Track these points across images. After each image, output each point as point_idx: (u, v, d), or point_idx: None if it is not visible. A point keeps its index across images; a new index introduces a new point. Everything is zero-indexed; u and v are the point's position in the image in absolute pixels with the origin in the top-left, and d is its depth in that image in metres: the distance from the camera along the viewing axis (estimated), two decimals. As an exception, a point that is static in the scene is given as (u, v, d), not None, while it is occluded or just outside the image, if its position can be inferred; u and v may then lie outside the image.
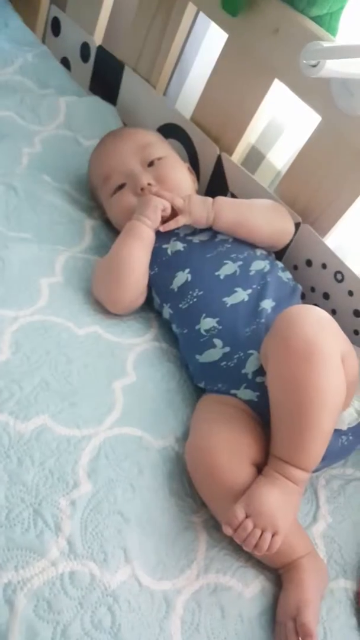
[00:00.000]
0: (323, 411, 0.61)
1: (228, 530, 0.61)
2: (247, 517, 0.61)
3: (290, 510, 0.63)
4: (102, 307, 0.82)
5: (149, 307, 0.86)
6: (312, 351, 0.61)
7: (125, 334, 0.80)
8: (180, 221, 0.83)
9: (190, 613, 0.61)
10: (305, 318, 0.63)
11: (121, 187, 0.88)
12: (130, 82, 1.08)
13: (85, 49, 1.14)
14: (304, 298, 0.90)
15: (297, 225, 0.89)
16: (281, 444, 0.64)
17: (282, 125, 0.97)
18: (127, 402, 0.73)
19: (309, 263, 0.90)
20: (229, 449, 0.66)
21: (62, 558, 0.59)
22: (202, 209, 0.83)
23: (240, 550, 0.66)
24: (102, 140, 0.95)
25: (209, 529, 0.67)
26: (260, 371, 0.72)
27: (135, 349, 0.79)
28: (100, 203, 0.94)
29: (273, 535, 0.61)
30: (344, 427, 0.72)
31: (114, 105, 1.11)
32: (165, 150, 0.91)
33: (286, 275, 0.84)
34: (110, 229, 0.94)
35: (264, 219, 0.85)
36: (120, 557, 0.61)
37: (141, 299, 0.83)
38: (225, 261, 0.81)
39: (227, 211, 0.84)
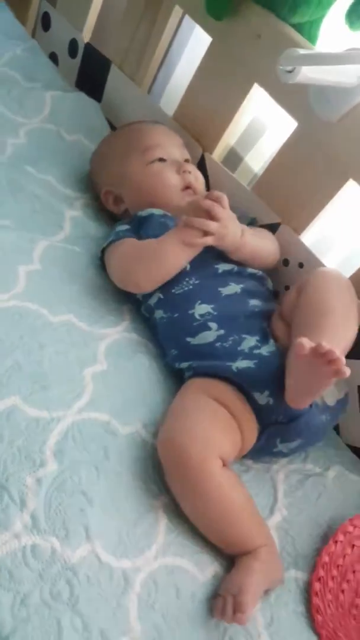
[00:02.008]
0: (338, 316, 0.73)
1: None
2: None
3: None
4: (77, 297, 0.84)
5: (123, 299, 0.88)
6: (350, 291, 0.78)
7: (98, 324, 0.83)
8: (208, 242, 0.81)
9: (147, 591, 0.63)
10: (344, 277, 0.81)
11: (161, 160, 0.91)
12: (115, 80, 1.11)
13: (73, 45, 1.16)
14: (277, 297, 0.93)
15: (277, 226, 0.92)
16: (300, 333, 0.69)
17: (261, 127, 1.00)
18: (97, 389, 0.75)
19: (285, 262, 0.93)
20: (199, 442, 0.68)
21: (25, 532, 0.61)
22: (234, 236, 0.82)
23: (197, 536, 0.69)
24: (137, 122, 0.99)
25: (170, 514, 0.69)
26: (255, 347, 0.76)
27: (107, 339, 0.81)
28: (103, 171, 0.96)
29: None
30: (332, 403, 0.76)
31: (99, 102, 1.14)
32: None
33: (269, 284, 0.90)
34: (91, 220, 0.96)
35: (270, 256, 0.90)
36: (81, 535, 0.63)
37: None
38: (223, 261, 0.85)
39: (251, 242, 0.85)
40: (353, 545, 0.74)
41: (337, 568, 0.72)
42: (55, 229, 0.91)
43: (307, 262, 0.90)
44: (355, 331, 0.75)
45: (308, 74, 0.72)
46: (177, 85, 1.04)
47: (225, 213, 0.80)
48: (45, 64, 1.16)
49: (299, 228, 0.90)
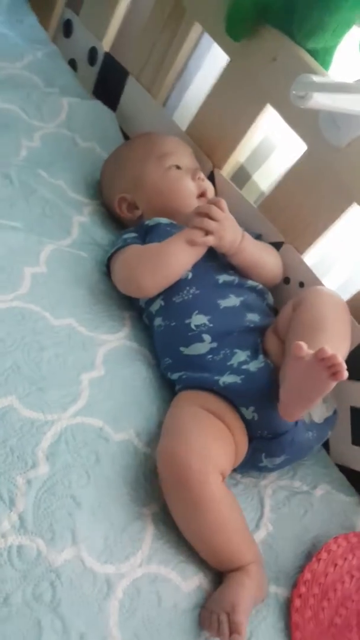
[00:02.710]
0: (335, 328, 0.75)
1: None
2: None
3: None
4: (80, 301, 0.86)
5: (125, 306, 0.89)
6: (345, 310, 0.79)
7: (98, 329, 0.84)
8: (209, 242, 0.83)
9: (129, 598, 0.64)
10: (339, 296, 0.82)
11: (177, 167, 0.93)
12: (132, 90, 1.13)
13: (93, 53, 1.18)
14: (276, 314, 0.94)
15: (280, 245, 0.94)
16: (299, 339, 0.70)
17: (271, 147, 1.02)
18: (93, 394, 0.76)
19: (286, 281, 0.94)
20: (201, 457, 0.68)
21: (12, 531, 0.62)
22: (232, 238, 0.85)
23: (183, 546, 0.70)
24: (150, 132, 1.01)
25: (157, 522, 0.70)
26: (245, 362, 0.78)
27: (106, 345, 0.82)
28: (117, 178, 0.97)
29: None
30: (320, 420, 0.78)
31: (114, 111, 1.15)
32: None
33: (269, 299, 0.91)
34: (98, 227, 0.97)
35: (273, 269, 0.91)
36: (67, 538, 0.64)
37: None
38: (224, 272, 0.87)
39: (251, 249, 0.88)
40: (335, 564, 0.75)
41: (319, 586, 0.73)
42: (63, 234, 0.93)
43: (307, 282, 0.91)
44: (348, 350, 0.76)
45: (320, 100, 0.74)
46: (191, 100, 1.06)
47: (222, 214, 0.83)
48: (64, 69, 1.18)
49: (302, 248, 0.92)
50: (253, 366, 0.77)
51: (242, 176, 1.04)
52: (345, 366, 0.62)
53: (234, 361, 0.78)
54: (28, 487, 0.65)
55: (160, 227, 0.90)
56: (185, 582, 0.68)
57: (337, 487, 0.85)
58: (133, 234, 0.90)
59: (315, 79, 0.73)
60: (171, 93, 1.08)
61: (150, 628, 0.63)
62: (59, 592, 0.61)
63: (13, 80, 1.08)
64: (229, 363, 0.78)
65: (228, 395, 0.75)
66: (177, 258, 0.83)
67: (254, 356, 0.79)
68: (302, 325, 0.75)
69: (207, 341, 0.80)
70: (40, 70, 1.13)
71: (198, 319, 0.81)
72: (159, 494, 0.72)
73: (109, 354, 0.82)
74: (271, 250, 0.93)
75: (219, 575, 0.70)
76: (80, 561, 0.64)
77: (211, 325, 0.81)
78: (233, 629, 0.62)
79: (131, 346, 0.85)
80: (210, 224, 0.82)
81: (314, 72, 0.84)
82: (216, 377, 0.77)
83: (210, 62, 1.03)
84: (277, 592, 0.72)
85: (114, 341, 0.84)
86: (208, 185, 0.95)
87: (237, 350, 0.79)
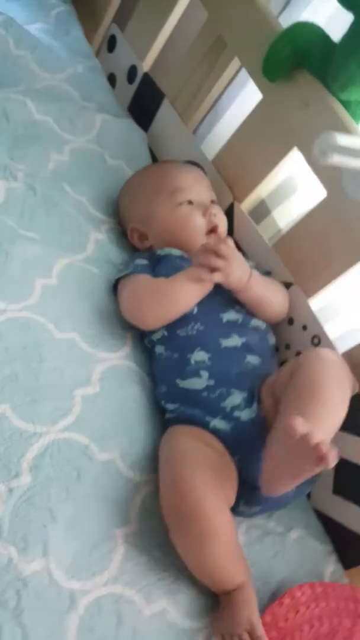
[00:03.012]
0: (332, 401, 0.73)
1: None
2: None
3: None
4: (85, 317, 0.88)
5: (129, 326, 0.91)
6: (343, 376, 0.76)
7: (99, 346, 0.86)
8: (215, 279, 0.84)
9: (90, 614, 0.66)
10: (338, 357, 0.80)
11: (189, 203, 0.94)
12: (165, 114, 1.15)
13: (132, 71, 1.21)
14: (277, 351, 0.95)
15: (289, 285, 0.95)
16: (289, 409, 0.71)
17: (294, 187, 1.04)
18: (84, 410, 0.78)
19: (290, 321, 0.96)
20: (212, 492, 0.69)
21: (-14, 537, 0.64)
22: (240, 275, 0.86)
23: (153, 570, 0.72)
24: (168, 161, 1.02)
25: (129, 544, 0.72)
26: (238, 407, 0.79)
27: (105, 363, 0.85)
28: (130, 208, 1.00)
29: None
30: None
31: (146, 131, 1.18)
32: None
33: (272, 339, 0.91)
34: (113, 245, 0.99)
35: (279, 308, 0.92)
36: (39, 549, 0.66)
37: None
38: (229, 308, 0.88)
39: (258, 287, 0.88)
40: (297, 611, 0.76)
41: (278, 630, 0.74)
42: (79, 248, 0.95)
43: (310, 326, 0.92)
44: (344, 415, 0.75)
45: (340, 159, 0.75)
46: (221, 131, 1.08)
47: (229, 250, 0.83)
48: (102, 85, 1.21)
49: (310, 291, 0.93)
50: (245, 415, 0.79)
51: (261, 211, 1.06)
52: (333, 454, 0.61)
53: (228, 403, 0.80)
54: (9, 495, 0.68)
55: (170, 258, 0.92)
56: (149, 606, 0.70)
57: (312, 534, 0.86)
58: (144, 261, 0.92)
59: (339, 139, 0.74)
60: (203, 122, 1.11)
61: (106, 648, 0.65)
62: (24, 601, 0.63)
63: (52, 92, 1.11)
64: (222, 404, 0.80)
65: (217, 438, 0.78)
66: (183, 296, 0.85)
67: (249, 401, 0.80)
68: (297, 394, 0.74)
69: (205, 377, 0.81)
70: (79, 83, 1.16)
71: (199, 356, 0.83)
72: (135, 517, 0.74)
73: (106, 372, 0.84)
74: (279, 287, 0.94)
75: (186, 600, 0.71)
76: (47, 573, 0.66)
77: (210, 363, 0.82)
78: None
79: (129, 366, 0.87)
80: (217, 262, 0.83)
81: (345, 123, 0.86)
82: (207, 418, 0.79)
83: (244, 97, 1.05)
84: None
85: (114, 359, 0.86)
86: (220, 220, 0.96)
87: (234, 390, 0.80)
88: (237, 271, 0.85)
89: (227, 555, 0.70)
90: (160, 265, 0.91)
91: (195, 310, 0.86)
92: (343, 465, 0.85)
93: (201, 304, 0.86)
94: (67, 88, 1.14)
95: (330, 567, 0.84)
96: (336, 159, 0.74)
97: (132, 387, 0.85)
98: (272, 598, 0.77)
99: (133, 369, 0.87)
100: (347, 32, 0.82)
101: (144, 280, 0.88)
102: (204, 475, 0.71)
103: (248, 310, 0.90)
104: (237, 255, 0.86)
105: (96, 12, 1.28)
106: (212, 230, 0.94)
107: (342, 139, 0.74)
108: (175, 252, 0.93)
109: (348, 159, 0.75)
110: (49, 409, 0.76)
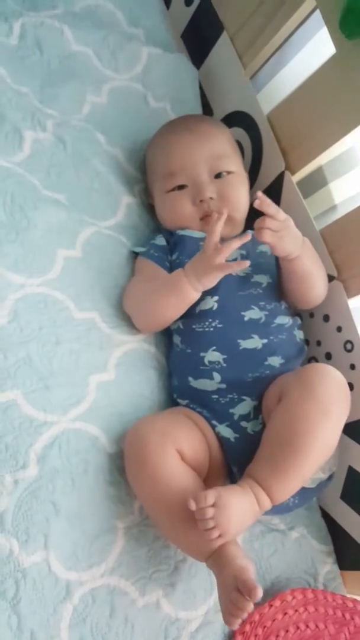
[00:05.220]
0: (311, 455, 0.68)
1: (192, 505, 0.64)
2: (213, 505, 0.64)
3: (244, 525, 0.68)
4: (107, 293, 0.83)
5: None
6: (330, 410, 0.69)
7: (119, 327, 0.82)
8: (235, 267, 0.74)
9: (84, 604, 0.69)
10: (333, 379, 0.72)
11: (181, 187, 0.85)
12: (222, 50, 1.00)
13: (192, -10, 1.04)
14: (307, 345, 0.90)
15: (330, 279, 0.87)
16: (263, 468, 0.69)
17: (356, 161, 0.91)
18: (98, 398, 0.76)
19: (326, 318, 0.89)
20: (160, 434, 0.71)
21: (-11, 529, 0.66)
22: (294, 240, 0.78)
23: (150, 563, 0.73)
24: (174, 128, 0.89)
25: (128, 537, 0.73)
26: (246, 417, 0.77)
27: (123, 347, 0.81)
28: (149, 184, 0.92)
29: (218, 535, 0.65)
30: (312, 485, 0.77)
31: (199, 66, 1.04)
32: (236, 165, 0.88)
33: (299, 335, 0.84)
34: (145, 211, 0.92)
35: (320, 291, 0.84)
36: (40, 542, 0.68)
37: None
38: (253, 306, 0.80)
39: (309, 259, 0.81)
40: (285, 613, 0.78)
41: (263, 629, 0.77)
42: (108, 214, 0.88)
43: (346, 329, 0.85)
44: (330, 453, 0.72)
45: None
46: (283, 82, 0.93)
47: (283, 214, 0.75)
48: (154, 5, 1.05)
49: (352, 291, 0.85)
50: (252, 427, 0.76)
51: (317, 180, 0.94)
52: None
53: (237, 411, 0.77)
54: (14, 486, 0.68)
55: (188, 240, 0.85)
56: (143, 598, 0.72)
57: (313, 533, 0.86)
58: (162, 242, 0.86)
59: None
60: (263, 67, 0.95)
61: (96, 635, 0.69)
62: (22, 591, 0.66)
63: (94, 15, 0.96)
64: (231, 410, 0.77)
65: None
66: (170, 319, 0.81)
67: (258, 411, 0.77)
68: (277, 442, 0.70)
69: (217, 380, 0.78)
70: (126, 4, 1.00)
71: (213, 356, 0.78)
72: (138, 510, 0.75)
73: (122, 357, 0.81)
74: (323, 272, 0.85)
75: (180, 592, 0.74)
76: (47, 565, 0.68)
77: (225, 365, 0.78)
78: (245, 591, 0.61)
79: (148, 350, 0.84)
80: (273, 223, 0.74)
81: None
82: (214, 422, 0.77)
83: (315, 46, 0.89)
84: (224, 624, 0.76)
85: (133, 342, 0.83)
86: (223, 195, 0.85)
87: (245, 398, 0.77)
88: (291, 235, 0.77)
89: (182, 502, 0.66)
90: (179, 246, 0.85)
91: (215, 306, 0.80)
92: (353, 474, 0.83)
93: (222, 299, 0.80)
94: (112, 9, 0.99)
95: (327, 567, 0.86)
96: None
97: (148, 373, 0.82)
98: (265, 596, 0.79)
99: (152, 353, 0.84)
100: None
101: (136, 282, 0.84)
102: (159, 423, 0.73)
103: (285, 290, 0.83)
104: (289, 220, 0.77)
105: None
106: (206, 216, 0.84)
107: None
108: (197, 234, 0.85)
109: None
110: (62, 397, 0.74)
